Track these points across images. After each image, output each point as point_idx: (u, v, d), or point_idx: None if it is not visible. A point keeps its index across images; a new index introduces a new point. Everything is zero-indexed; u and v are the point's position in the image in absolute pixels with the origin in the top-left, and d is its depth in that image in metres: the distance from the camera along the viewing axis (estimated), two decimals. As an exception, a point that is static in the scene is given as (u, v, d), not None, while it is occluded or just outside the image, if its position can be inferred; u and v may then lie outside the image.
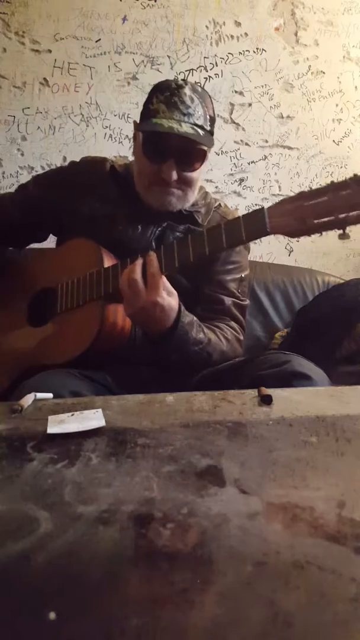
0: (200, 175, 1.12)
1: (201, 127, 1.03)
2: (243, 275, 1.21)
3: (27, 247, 1.40)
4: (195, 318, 1.03)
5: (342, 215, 0.78)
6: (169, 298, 0.93)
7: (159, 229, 1.14)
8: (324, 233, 0.81)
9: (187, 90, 1.04)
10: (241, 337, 1.17)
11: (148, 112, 1.06)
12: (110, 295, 1.00)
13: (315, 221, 0.80)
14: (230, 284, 1.18)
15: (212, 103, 1.10)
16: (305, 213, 0.81)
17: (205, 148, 1.06)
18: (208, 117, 1.06)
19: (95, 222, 1.14)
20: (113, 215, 1.14)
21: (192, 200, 1.13)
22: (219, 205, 1.23)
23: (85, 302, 1.04)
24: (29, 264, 1.27)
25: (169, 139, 1.01)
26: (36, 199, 1.24)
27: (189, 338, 1.00)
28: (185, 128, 1.00)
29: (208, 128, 1.06)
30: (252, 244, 1.39)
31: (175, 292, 0.96)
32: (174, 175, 1.04)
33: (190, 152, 1.04)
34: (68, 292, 1.08)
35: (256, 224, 0.85)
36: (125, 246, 1.10)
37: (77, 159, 1.29)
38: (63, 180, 1.21)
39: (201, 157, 1.07)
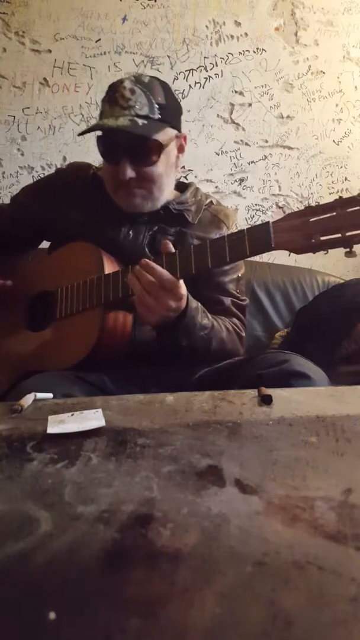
0: (169, 169, 1.08)
1: (145, 116, 1.00)
2: (240, 275, 1.20)
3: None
4: (199, 304, 1.03)
5: (350, 234, 0.76)
6: (183, 285, 0.93)
7: (150, 232, 1.12)
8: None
9: (127, 84, 1.01)
10: (242, 334, 1.17)
11: (99, 115, 1.07)
12: (111, 302, 1.00)
13: (322, 238, 0.79)
14: (229, 285, 1.17)
15: (163, 90, 1.05)
16: (312, 229, 0.80)
17: (158, 138, 1.02)
18: (156, 105, 1.02)
19: (85, 229, 1.12)
20: (101, 222, 1.12)
21: (164, 198, 1.10)
22: (211, 202, 1.20)
23: (85, 309, 1.03)
24: (27, 266, 1.27)
25: (116, 137, 1.00)
26: (26, 208, 1.24)
27: (196, 322, 1.00)
28: (122, 122, 0.98)
29: (156, 116, 1.02)
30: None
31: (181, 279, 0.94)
32: (129, 173, 1.01)
33: (140, 146, 1.01)
34: (68, 297, 1.07)
35: (261, 239, 0.83)
36: (117, 252, 1.09)
37: (78, 159, 1.30)
38: (51, 188, 1.20)
39: (156, 149, 1.02)
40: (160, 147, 1.03)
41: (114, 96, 1.02)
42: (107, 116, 1.01)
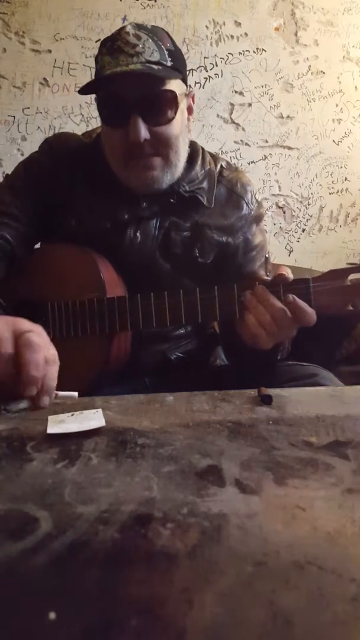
0: (183, 132, 0.93)
1: (157, 62, 0.85)
2: (267, 256, 1.07)
3: None
4: None
5: None
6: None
7: (162, 231, 0.97)
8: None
9: (129, 29, 0.86)
10: None
11: (96, 73, 0.90)
12: (116, 332, 0.89)
13: None
14: (260, 271, 1.03)
15: (169, 37, 0.91)
16: (356, 293, 0.75)
17: (173, 88, 0.88)
18: (165, 51, 0.87)
19: (81, 234, 0.96)
20: (103, 218, 0.96)
21: (181, 166, 0.94)
22: (221, 170, 1.03)
23: (86, 334, 0.90)
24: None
25: (124, 92, 0.85)
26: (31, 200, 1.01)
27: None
28: (133, 67, 0.83)
29: (168, 63, 0.87)
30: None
31: None
32: (143, 134, 0.85)
33: (155, 98, 0.86)
34: (62, 315, 0.93)
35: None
36: (123, 259, 0.96)
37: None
38: (48, 176, 1.00)
39: (172, 102, 0.88)
40: (176, 101, 0.88)
41: (116, 45, 0.85)
42: (111, 67, 0.84)
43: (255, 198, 1.05)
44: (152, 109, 0.86)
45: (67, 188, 0.98)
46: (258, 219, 1.06)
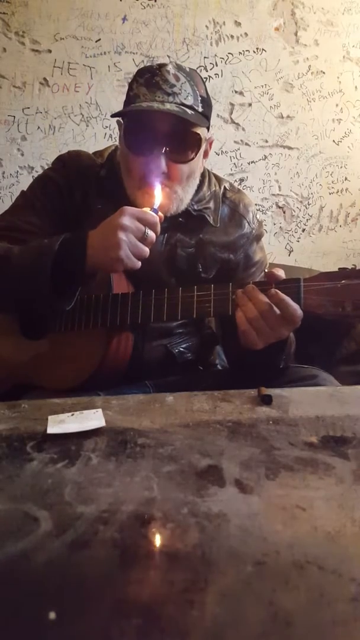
0: (197, 172, 0.99)
1: (190, 107, 0.90)
2: (266, 271, 1.10)
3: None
4: None
5: None
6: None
7: (167, 247, 1.02)
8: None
9: (170, 68, 0.91)
10: None
11: (128, 99, 0.94)
12: (117, 326, 0.94)
13: (353, 311, 0.77)
14: None
15: (203, 84, 0.97)
16: (342, 296, 0.78)
17: (200, 132, 0.93)
18: (199, 97, 0.93)
19: None
20: None
21: (187, 200, 0.99)
22: (225, 191, 1.09)
23: (88, 328, 0.95)
24: None
25: (153, 124, 0.89)
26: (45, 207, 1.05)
27: (292, 341, 0.95)
28: (169, 107, 0.88)
29: (200, 109, 0.92)
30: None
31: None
32: (163, 166, 0.90)
33: (181, 137, 0.91)
34: (69, 310, 0.96)
35: (290, 297, 0.80)
36: (129, 271, 0.94)
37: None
38: (64, 193, 1.04)
39: (196, 145, 0.93)
40: (200, 144, 0.94)
41: (154, 80, 0.90)
42: (147, 100, 0.89)
43: (256, 218, 1.11)
44: (176, 147, 0.91)
45: (81, 204, 1.03)
46: (258, 237, 1.11)
